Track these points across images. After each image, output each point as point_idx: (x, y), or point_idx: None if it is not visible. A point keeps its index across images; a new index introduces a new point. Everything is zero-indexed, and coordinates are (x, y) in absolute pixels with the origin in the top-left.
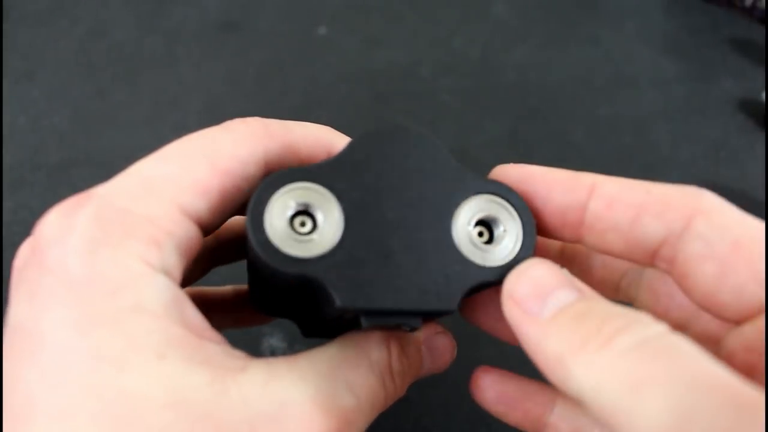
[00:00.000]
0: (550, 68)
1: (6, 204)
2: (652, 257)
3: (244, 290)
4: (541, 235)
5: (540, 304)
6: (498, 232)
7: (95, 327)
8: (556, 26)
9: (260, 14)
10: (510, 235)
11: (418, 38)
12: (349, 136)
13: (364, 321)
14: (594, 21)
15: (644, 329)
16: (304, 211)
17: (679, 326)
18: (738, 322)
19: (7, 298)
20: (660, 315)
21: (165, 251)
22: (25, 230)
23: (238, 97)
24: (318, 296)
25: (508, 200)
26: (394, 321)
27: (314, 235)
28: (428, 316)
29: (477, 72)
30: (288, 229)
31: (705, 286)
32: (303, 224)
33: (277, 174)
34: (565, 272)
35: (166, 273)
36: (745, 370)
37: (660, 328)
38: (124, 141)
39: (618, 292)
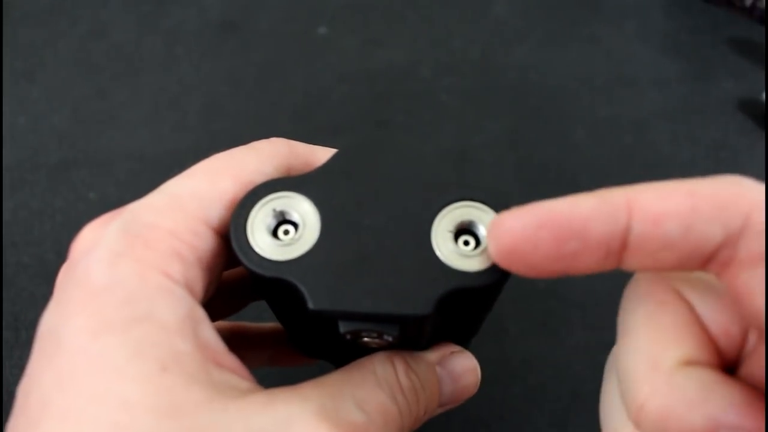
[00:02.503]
0: (550, 68)
1: (6, 204)
2: (706, 263)
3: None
4: (581, 273)
5: None
6: (482, 237)
7: (105, 334)
8: (556, 26)
9: (260, 14)
10: None
11: (418, 38)
12: (348, 137)
13: (341, 326)
14: (594, 21)
15: None
16: (289, 221)
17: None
18: None
19: (7, 298)
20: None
21: (187, 264)
22: (25, 230)
23: (238, 97)
24: (304, 309)
25: (490, 205)
26: (370, 327)
27: (294, 243)
28: (404, 322)
29: (477, 72)
30: (270, 238)
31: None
32: (286, 233)
33: (258, 185)
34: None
35: (187, 286)
36: None
37: None
38: (124, 141)
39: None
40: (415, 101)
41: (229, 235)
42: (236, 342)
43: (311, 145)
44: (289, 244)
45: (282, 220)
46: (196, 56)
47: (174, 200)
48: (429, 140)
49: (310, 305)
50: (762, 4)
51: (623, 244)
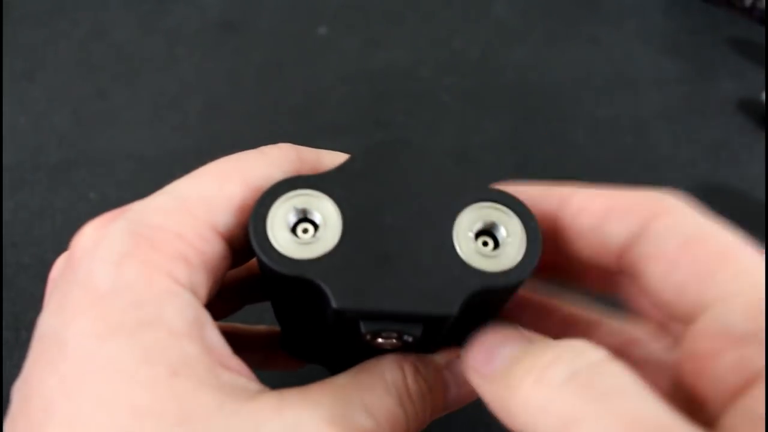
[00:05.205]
0: (550, 68)
1: (6, 204)
2: (618, 260)
3: (277, 332)
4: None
5: (490, 365)
6: (501, 238)
7: (113, 338)
8: (556, 26)
9: (260, 14)
10: (513, 241)
11: (418, 38)
12: (348, 137)
13: (363, 326)
14: (594, 21)
15: (576, 359)
16: (307, 219)
17: (660, 326)
18: (684, 321)
19: (7, 298)
20: (643, 315)
21: (193, 268)
22: (25, 230)
23: (238, 97)
24: (322, 309)
25: (509, 207)
26: (393, 327)
27: (314, 241)
28: (428, 322)
29: (477, 72)
30: (289, 235)
31: (653, 284)
32: (305, 231)
33: (278, 182)
34: (516, 328)
35: (193, 290)
36: (694, 382)
37: (594, 357)
38: (124, 141)
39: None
40: (415, 101)
41: (248, 232)
42: (231, 345)
43: (317, 150)
44: (309, 243)
45: (301, 218)
46: (197, 56)
47: (181, 202)
48: (429, 140)
49: (334, 304)
50: (762, 4)
51: (554, 225)
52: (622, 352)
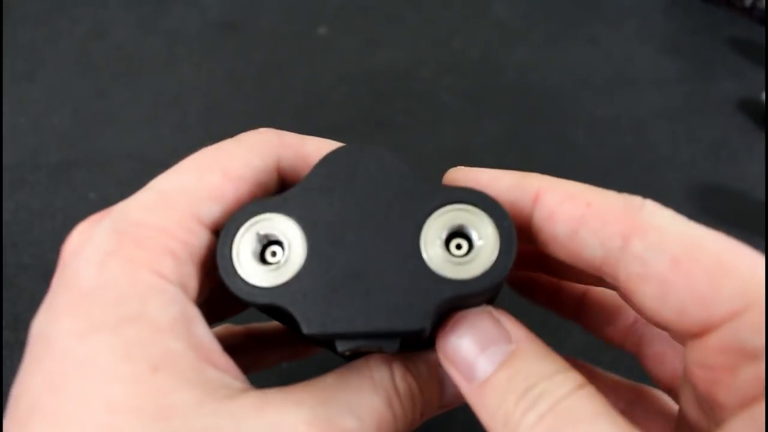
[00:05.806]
0: (550, 68)
1: (6, 204)
2: (598, 269)
3: None
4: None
5: (472, 368)
6: (473, 241)
7: (93, 335)
8: (556, 26)
9: (260, 14)
10: (486, 243)
11: (418, 38)
12: (348, 137)
13: (338, 345)
14: (594, 21)
15: (548, 398)
16: (276, 242)
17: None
18: (686, 337)
19: (7, 298)
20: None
21: (180, 261)
22: (25, 230)
23: (238, 97)
24: (296, 326)
25: (479, 206)
26: (368, 344)
27: (282, 265)
28: (404, 337)
29: (477, 72)
30: (256, 262)
31: (648, 305)
32: (274, 254)
33: (240, 209)
34: (494, 317)
35: (181, 284)
36: (707, 387)
37: (562, 392)
38: (124, 141)
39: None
40: (415, 101)
41: (216, 263)
42: (253, 344)
43: (301, 135)
44: (277, 268)
45: (267, 243)
46: (197, 56)
47: (163, 197)
48: (429, 140)
49: (304, 330)
50: (762, 4)
51: (526, 225)
52: (634, 334)
